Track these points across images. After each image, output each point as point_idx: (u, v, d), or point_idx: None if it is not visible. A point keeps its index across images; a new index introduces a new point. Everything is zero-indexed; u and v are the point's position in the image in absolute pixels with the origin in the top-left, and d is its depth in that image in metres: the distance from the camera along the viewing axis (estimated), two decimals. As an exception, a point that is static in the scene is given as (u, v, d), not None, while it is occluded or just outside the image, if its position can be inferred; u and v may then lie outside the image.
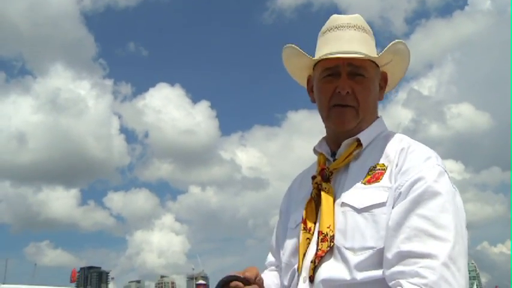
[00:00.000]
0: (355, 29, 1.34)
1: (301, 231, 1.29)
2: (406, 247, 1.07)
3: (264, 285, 1.32)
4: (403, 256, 1.06)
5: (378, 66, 1.36)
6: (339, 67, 1.30)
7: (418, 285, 1.01)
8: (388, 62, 1.36)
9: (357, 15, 1.39)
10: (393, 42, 1.31)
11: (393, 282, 1.06)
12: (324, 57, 1.31)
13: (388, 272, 1.08)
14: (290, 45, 1.38)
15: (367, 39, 1.35)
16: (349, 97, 1.29)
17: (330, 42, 1.33)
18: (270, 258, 1.57)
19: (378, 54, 1.33)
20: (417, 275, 1.03)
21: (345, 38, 1.32)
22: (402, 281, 1.04)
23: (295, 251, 1.31)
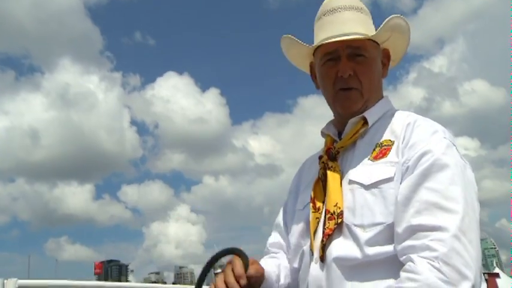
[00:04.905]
0: (349, 10, 1.32)
1: (311, 211, 1.29)
2: (416, 221, 1.06)
3: (265, 274, 1.26)
4: (414, 230, 1.06)
5: (378, 44, 1.35)
6: (338, 51, 1.29)
7: (429, 259, 1.00)
8: (387, 38, 1.34)
9: None
10: (389, 17, 1.29)
11: (404, 257, 1.06)
12: (321, 43, 1.30)
13: (399, 247, 1.08)
14: (287, 36, 1.38)
15: (363, 19, 1.33)
16: (352, 79, 1.29)
17: (325, 27, 1.32)
18: (274, 238, 1.49)
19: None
20: (428, 248, 1.02)
21: (340, 21, 1.30)
22: (413, 256, 1.03)
23: (304, 232, 1.30)
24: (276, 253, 1.46)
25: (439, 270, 0.99)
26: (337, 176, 1.26)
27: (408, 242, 1.06)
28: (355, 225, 1.15)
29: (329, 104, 1.39)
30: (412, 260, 1.03)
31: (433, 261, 1.00)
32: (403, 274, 1.03)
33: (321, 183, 1.30)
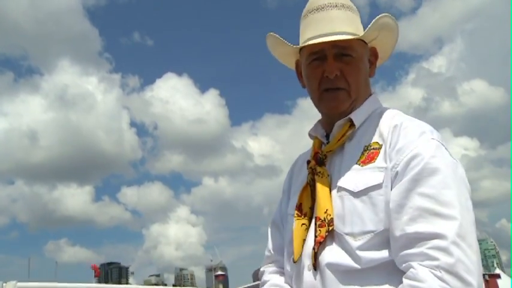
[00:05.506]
0: (336, 8, 1.28)
1: (295, 218, 1.27)
2: (412, 229, 1.03)
3: None
4: (410, 238, 1.02)
5: (365, 43, 1.31)
6: (324, 50, 1.26)
7: (430, 268, 0.98)
8: (375, 37, 1.31)
9: None
10: (378, 16, 1.26)
11: (404, 264, 1.03)
12: (306, 43, 1.27)
13: (397, 256, 1.05)
14: (271, 34, 1.35)
15: (350, 17, 1.30)
16: (338, 80, 1.26)
17: (311, 26, 1.29)
18: (274, 240, 1.45)
19: (363, 31, 1.28)
20: (427, 257, 0.99)
21: (327, 19, 1.27)
22: (414, 263, 1.00)
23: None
24: (278, 262, 1.41)
25: (441, 279, 0.96)
26: (325, 181, 1.23)
27: (406, 251, 1.03)
28: (346, 234, 1.12)
29: (315, 104, 1.36)
30: (413, 267, 1.00)
31: (435, 270, 0.97)
32: (405, 281, 1.01)
33: (309, 189, 1.28)
